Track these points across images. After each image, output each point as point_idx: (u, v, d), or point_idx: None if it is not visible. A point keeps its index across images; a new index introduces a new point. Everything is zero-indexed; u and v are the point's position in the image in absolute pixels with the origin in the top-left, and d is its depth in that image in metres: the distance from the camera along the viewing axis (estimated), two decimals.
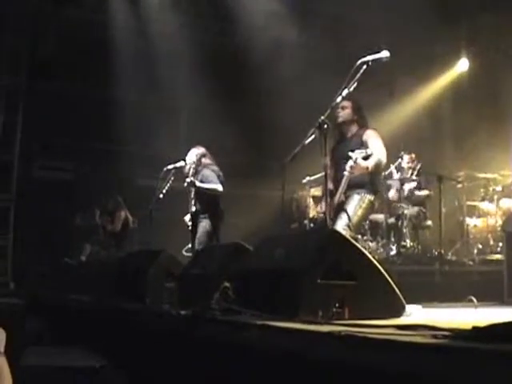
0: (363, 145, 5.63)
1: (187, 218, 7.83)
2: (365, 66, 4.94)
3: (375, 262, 3.93)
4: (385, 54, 5.00)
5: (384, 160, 5.59)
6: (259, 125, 11.37)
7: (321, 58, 10.49)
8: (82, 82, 11.07)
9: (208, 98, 10.97)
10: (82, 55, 10.69)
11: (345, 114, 5.74)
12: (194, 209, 7.65)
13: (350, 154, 5.31)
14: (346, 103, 5.58)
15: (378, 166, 5.52)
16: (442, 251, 7.91)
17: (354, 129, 5.84)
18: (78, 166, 11.24)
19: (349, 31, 10.52)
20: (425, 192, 8.92)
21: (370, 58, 4.97)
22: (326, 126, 4.89)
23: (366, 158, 5.38)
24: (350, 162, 5.31)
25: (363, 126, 5.83)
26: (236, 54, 11.20)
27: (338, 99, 5.08)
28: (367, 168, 5.39)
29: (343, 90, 5.02)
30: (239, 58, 11.12)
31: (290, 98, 10.83)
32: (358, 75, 4.93)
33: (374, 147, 5.56)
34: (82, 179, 11.07)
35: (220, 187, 7.63)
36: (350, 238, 4.17)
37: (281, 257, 4.07)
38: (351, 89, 5.01)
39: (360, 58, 4.96)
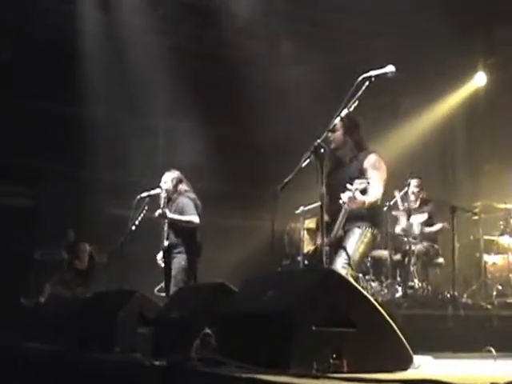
0: (362, 173, 5.67)
1: (159, 256, 7.83)
2: (367, 83, 4.98)
3: (378, 305, 3.94)
4: (390, 68, 5.05)
5: (379, 197, 5.62)
6: (247, 148, 11.48)
7: (318, 73, 10.61)
8: (45, 95, 11.07)
9: (188, 118, 11.04)
10: (46, 64, 10.71)
11: (335, 137, 5.71)
12: (166, 243, 7.66)
13: (349, 186, 5.32)
14: (337, 124, 5.48)
15: (374, 203, 5.57)
16: (456, 293, 7.92)
17: (350, 153, 5.86)
18: (39, 192, 11.22)
19: (349, 43, 10.68)
20: (437, 226, 8.95)
21: (373, 73, 5.01)
22: (322, 150, 4.91)
23: (365, 189, 5.40)
24: (348, 194, 5.32)
25: (362, 149, 5.85)
26: (221, 68, 11.31)
27: (336, 120, 5.11)
28: (364, 203, 5.43)
29: (342, 109, 5.05)
30: (225, 71, 11.23)
31: (282, 118, 10.93)
32: (360, 93, 4.96)
33: (372, 180, 5.60)
34: (43, 207, 11.05)
35: (196, 218, 7.64)
36: (349, 277, 4.18)
37: (270, 299, 4.07)
38: (351, 108, 5.04)
39: (362, 74, 5.00)
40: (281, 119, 11.04)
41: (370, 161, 5.71)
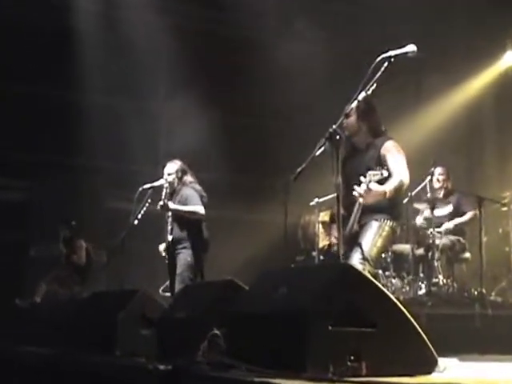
0: (380, 160, 5.66)
1: (162, 247, 7.87)
2: (386, 63, 4.98)
3: (399, 303, 3.96)
4: (411, 48, 5.05)
5: (407, 181, 5.55)
6: (257, 134, 11.48)
7: (333, 53, 10.60)
8: (39, 80, 11.09)
9: (192, 102, 11.05)
10: (39, 45, 10.72)
11: (349, 122, 5.62)
12: (171, 237, 7.70)
13: (362, 178, 5.29)
14: (351, 108, 5.35)
15: (398, 190, 5.49)
16: (484, 290, 7.94)
17: (366, 139, 5.84)
18: (33, 185, 11.26)
19: (366, 20, 10.64)
20: (468, 215, 8.92)
21: (392, 52, 5.00)
22: (338, 136, 4.91)
23: (381, 180, 5.36)
24: (362, 187, 5.27)
25: (379, 135, 5.84)
26: (230, 49, 11.30)
27: (353, 104, 5.10)
28: (384, 194, 5.36)
29: (360, 92, 5.05)
30: (232, 52, 11.23)
31: (295, 102, 10.92)
32: (378, 74, 4.96)
33: (394, 165, 5.55)
34: (37, 200, 11.09)
35: (201, 209, 7.69)
36: (367, 274, 4.19)
37: (283, 297, 4.09)
38: (369, 91, 5.04)
39: (380, 54, 5.00)
40: (293, 103, 11.05)
41: (388, 146, 5.69)
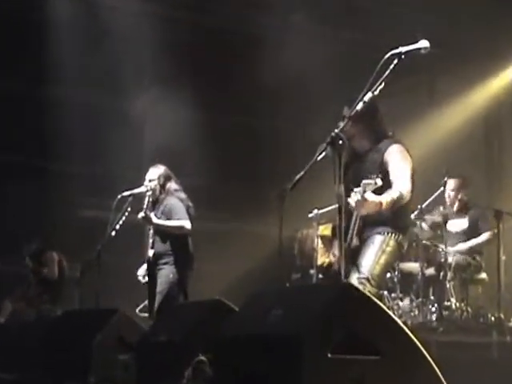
0: (382, 166, 5.69)
1: (141, 271, 7.89)
2: (396, 61, 5.01)
3: (407, 329, 3.98)
4: (423, 43, 5.07)
5: (407, 194, 5.54)
6: (251, 138, 11.50)
7: (337, 50, 10.63)
8: (6, 74, 11.08)
9: (181, 101, 11.07)
10: (6, 35, 10.72)
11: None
12: (151, 253, 7.72)
13: (355, 188, 5.29)
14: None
15: (396, 203, 5.46)
16: (502, 315, 7.95)
17: (367, 142, 5.87)
18: None
19: (375, 12, 10.67)
20: (485, 236, 8.94)
21: (403, 49, 5.02)
22: (340, 141, 4.92)
23: (378, 189, 5.36)
24: (356, 197, 5.24)
25: (383, 138, 5.87)
26: (222, 43, 11.32)
27: (359, 106, 5.12)
28: (380, 205, 5.34)
29: (366, 93, 5.08)
30: (225, 47, 11.25)
31: (294, 103, 10.95)
32: (387, 73, 4.99)
33: (396, 174, 5.58)
34: (1, 207, 11.07)
35: (187, 223, 7.73)
36: (371, 295, 4.21)
37: (277, 320, 4.10)
38: (376, 92, 5.07)
39: (390, 50, 5.03)
40: (292, 104, 11.08)
41: (393, 151, 5.71)
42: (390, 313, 4.00)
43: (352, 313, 3.92)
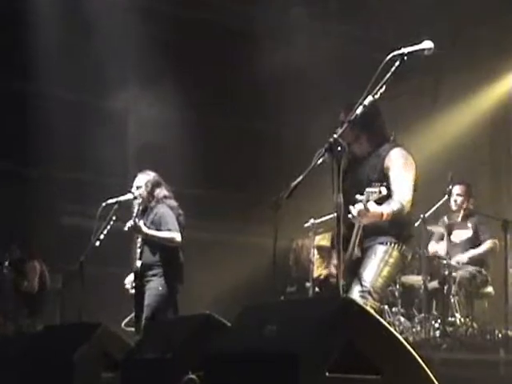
0: (383, 173, 5.70)
1: (128, 280, 7.89)
2: (398, 62, 5.03)
3: (409, 346, 3.99)
4: (427, 44, 5.10)
5: (407, 205, 5.56)
6: (244, 142, 11.49)
7: (337, 49, 10.64)
8: None
9: (170, 102, 11.08)
10: None
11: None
12: (139, 264, 7.72)
13: (358, 196, 5.30)
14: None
15: (396, 215, 5.49)
16: (509, 332, 7.99)
17: (368, 147, 5.89)
18: None
19: (377, 10, 10.69)
20: (484, 246, 8.98)
21: (406, 50, 5.05)
22: (339, 148, 4.94)
23: (381, 199, 5.36)
24: (358, 207, 5.27)
25: (384, 142, 5.89)
26: (216, 39, 11.32)
27: (359, 110, 5.13)
28: (381, 216, 5.38)
29: (366, 96, 5.09)
30: (217, 44, 11.25)
31: (290, 105, 10.96)
32: (389, 75, 5.01)
33: (397, 183, 5.60)
34: None
35: (177, 235, 7.74)
36: (371, 310, 4.22)
37: (271, 336, 4.11)
38: (377, 95, 5.08)
39: (392, 51, 5.04)
40: (288, 106, 11.08)
41: (394, 157, 5.72)
42: (392, 330, 4.01)
43: (351, 329, 3.92)
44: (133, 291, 7.85)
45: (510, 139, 12.19)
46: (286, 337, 4.03)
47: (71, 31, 11.09)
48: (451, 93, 11.88)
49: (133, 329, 7.66)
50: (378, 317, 4.08)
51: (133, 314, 7.77)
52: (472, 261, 8.95)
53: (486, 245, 8.98)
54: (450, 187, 9.09)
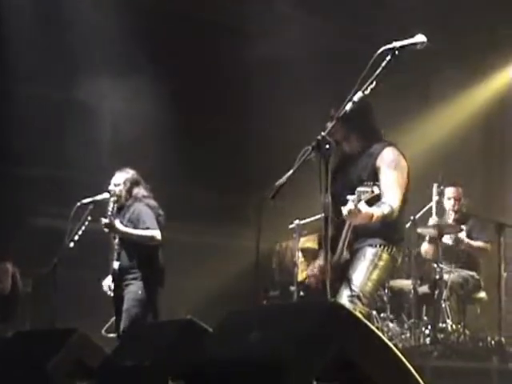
0: (374, 172, 5.72)
1: (106, 282, 7.88)
2: (389, 57, 5.05)
3: (401, 354, 4.01)
4: (420, 38, 5.12)
5: (397, 208, 5.58)
6: (226, 139, 11.50)
7: (325, 43, 10.67)
8: None
9: (148, 98, 11.06)
10: None
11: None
12: (117, 266, 7.71)
13: (349, 197, 5.32)
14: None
15: (387, 217, 5.52)
16: (503, 339, 8.02)
17: (358, 145, 5.92)
18: None
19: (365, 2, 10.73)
20: (478, 243, 9.02)
21: (397, 44, 5.06)
22: (327, 145, 4.95)
23: (372, 199, 5.38)
24: (349, 206, 5.30)
25: (375, 141, 5.90)
26: (193, 32, 11.32)
27: (348, 106, 5.14)
28: (371, 217, 5.40)
29: (356, 92, 5.10)
30: (198, 37, 11.24)
31: (275, 101, 10.97)
32: (379, 70, 5.02)
33: (387, 184, 5.63)
34: None
35: (157, 233, 7.74)
36: (361, 316, 4.24)
37: (256, 343, 4.11)
38: (367, 91, 5.09)
39: (383, 45, 5.05)
40: (273, 102, 11.08)
41: (385, 157, 5.76)
42: (383, 337, 4.02)
43: (340, 336, 3.92)
44: (111, 294, 7.85)
45: (504, 139, 12.25)
46: (272, 343, 4.03)
47: (41, 23, 11.03)
48: (442, 90, 11.92)
49: (114, 335, 7.65)
50: (369, 323, 4.09)
51: (113, 319, 7.76)
52: (464, 261, 9.00)
53: (478, 243, 9.03)
54: (442, 188, 9.14)
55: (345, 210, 5.29)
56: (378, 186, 5.37)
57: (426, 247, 9.23)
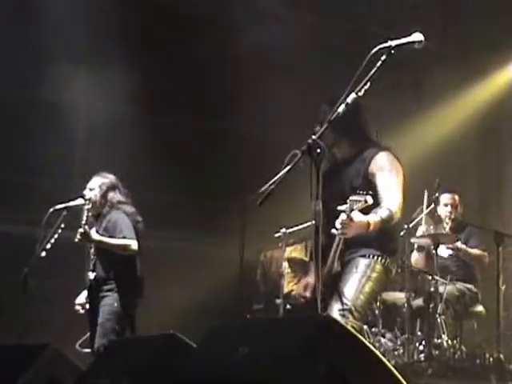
0: (368, 179, 5.73)
1: (80, 298, 7.86)
2: (384, 56, 5.06)
3: (396, 372, 4.01)
4: (417, 37, 5.14)
5: (397, 213, 5.57)
6: (209, 142, 11.49)
7: (315, 41, 10.68)
8: None
9: (124, 94, 11.04)
10: None
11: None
12: (92, 276, 7.70)
13: (341, 207, 5.29)
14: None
15: (386, 223, 5.50)
16: (501, 356, 8.03)
17: (351, 150, 5.93)
18: None
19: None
20: (476, 251, 9.04)
21: (393, 42, 5.08)
22: (318, 150, 4.95)
23: (366, 208, 5.37)
24: (342, 218, 5.26)
25: (367, 144, 5.90)
26: (180, 26, 11.29)
27: (341, 108, 5.14)
28: (368, 226, 5.37)
29: (349, 93, 5.11)
30: (185, 31, 11.22)
31: (262, 102, 10.97)
32: (374, 70, 5.04)
33: (385, 189, 5.64)
34: None
35: (134, 243, 7.73)
36: (353, 330, 4.24)
37: (242, 359, 4.11)
38: (361, 92, 5.10)
39: (378, 44, 5.07)
40: (259, 103, 11.08)
41: (379, 161, 5.77)
42: (378, 353, 4.03)
43: (333, 351, 3.93)
44: (82, 312, 7.83)
45: (500, 142, 12.28)
46: (261, 360, 4.02)
47: (12, 18, 10.99)
48: (436, 91, 11.94)
49: (89, 350, 7.62)
50: (364, 339, 4.10)
51: (88, 334, 7.74)
52: (461, 273, 9.02)
53: (478, 251, 9.06)
54: (437, 194, 9.16)
55: (338, 221, 5.27)
56: (372, 195, 5.33)
57: (415, 256, 9.25)
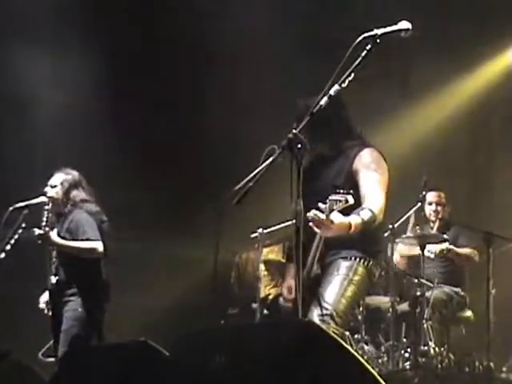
0: (351, 177, 5.76)
1: (44, 298, 7.84)
2: (369, 46, 5.09)
3: (380, 379, 4.03)
4: (404, 25, 5.16)
5: (379, 214, 5.58)
6: (182, 136, 11.48)
7: (297, 30, 10.69)
8: None
9: (92, 84, 11.01)
10: None
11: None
12: (54, 280, 7.67)
13: (321, 205, 5.29)
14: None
15: (368, 224, 5.49)
16: (491, 364, 8.08)
17: (332, 146, 5.94)
18: None
19: None
20: (464, 250, 9.08)
21: (379, 31, 5.10)
22: (299, 145, 4.97)
23: (347, 208, 5.37)
24: (319, 218, 5.21)
25: (350, 140, 5.92)
26: (148, 8, 11.28)
27: (323, 101, 5.15)
28: (349, 227, 5.36)
29: (332, 85, 5.12)
30: (157, 15, 11.20)
31: (240, 93, 10.99)
32: (359, 60, 5.06)
33: (368, 188, 5.67)
34: None
35: (98, 245, 7.70)
36: (337, 337, 4.26)
37: (220, 368, 4.11)
38: (345, 83, 5.11)
39: (362, 32, 5.09)
40: (239, 98, 11.08)
41: (364, 158, 5.79)
42: (363, 360, 4.05)
43: (316, 360, 3.95)
44: (47, 311, 7.82)
45: (491, 137, 12.31)
46: (240, 369, 4.04)
47: None
48: (423, 83, 11.95)
49: (53, 359, 7.60)
50: (347, 346, 4.12)
51: (52, 342, 7.71)
52: (448, 276, 9.07)
53: (467, 250, 9.11)
54: (424, 193, 9.16)
55: (313, 222, 5.23)
56: (353, 194, 5.32)
57: (397, 257, 9.28)
